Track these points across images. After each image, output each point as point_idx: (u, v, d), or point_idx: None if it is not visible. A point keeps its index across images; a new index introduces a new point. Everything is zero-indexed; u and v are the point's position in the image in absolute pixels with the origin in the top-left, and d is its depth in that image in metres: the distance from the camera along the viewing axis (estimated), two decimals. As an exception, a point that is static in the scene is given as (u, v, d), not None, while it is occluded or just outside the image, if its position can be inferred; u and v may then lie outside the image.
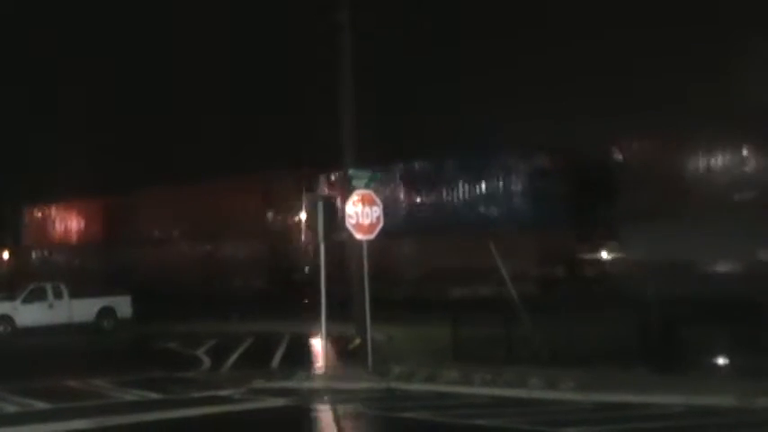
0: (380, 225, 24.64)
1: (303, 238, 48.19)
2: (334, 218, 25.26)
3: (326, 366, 24.62)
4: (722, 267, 32.67)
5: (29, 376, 25.16)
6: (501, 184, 42.46)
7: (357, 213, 24.41)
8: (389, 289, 36.97)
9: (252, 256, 52.21)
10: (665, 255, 31.99)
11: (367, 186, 24.86)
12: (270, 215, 52.87)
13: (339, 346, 27.44)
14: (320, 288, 24.89)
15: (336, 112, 27.09)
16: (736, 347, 22.06)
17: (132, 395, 22.69)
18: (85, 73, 64.36)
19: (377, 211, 24.65)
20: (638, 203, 35.22)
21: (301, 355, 27.87)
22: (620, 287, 33.41)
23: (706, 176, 34.71)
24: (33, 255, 69.20)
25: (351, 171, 25.40)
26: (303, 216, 46.98)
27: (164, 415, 20.03)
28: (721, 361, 22.45)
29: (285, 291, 47.43)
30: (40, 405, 21.24)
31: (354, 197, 24.65)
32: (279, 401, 21.45)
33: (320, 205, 25.03)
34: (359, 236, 24.60)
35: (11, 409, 20.87)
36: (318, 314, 24.89)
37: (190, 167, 58.08)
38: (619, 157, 38.52)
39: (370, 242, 24.67)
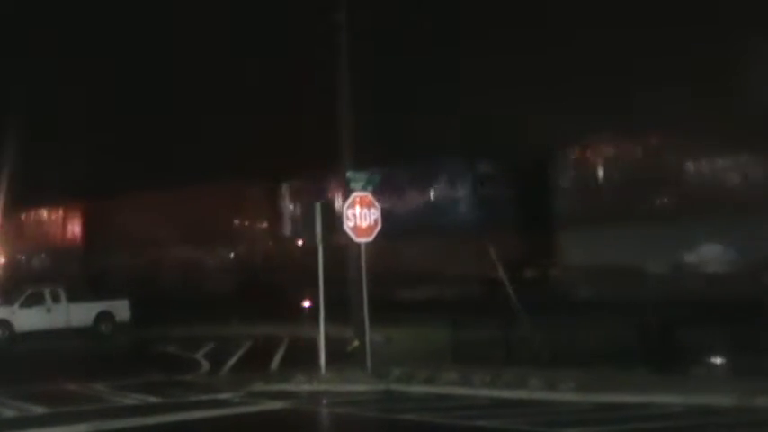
0: (378, 227, 24.64)
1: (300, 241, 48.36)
2: (331, 220, 25.24)
3: (325, 369, 24.59)
4: (655, 269, 34.06)
5: (27, 381, 25.14)
6: (447, 189, 43.79)
7: (355, 216, 24.41)
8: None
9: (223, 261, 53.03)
10: (602, 258, 33.90)
11: (365, 189, 24.84)
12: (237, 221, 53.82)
13: (337, 349, 27.42)
14: (318, 290, 24.95)
15: (329, 114, 27.15)
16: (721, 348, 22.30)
17: (131, 399, 22.68)
18: (65, 74, 64.05)
19: (375, 213, 24.64)
20: (577, 208, 37.26)
21: (300, 358, 27.82)
22: (558, 290, 35.99)
23: (642, 182, 36.27)
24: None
25: (349, 173, 25.36)
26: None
27: (163, 418, 20.01)
28: (718, 361, 22.51)
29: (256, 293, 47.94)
30: (39, 409, 21.23)
31: (352, 199, 24.65)
32: (278, 404, 21.45)
33: (317, 208, 25.04)
34: (357, 238, 24.59)
35: (10, 413, 20.87)
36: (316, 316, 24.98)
37: (182, 170, 58.09)
38: (567, 160, 40.33)
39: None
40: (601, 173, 38.17)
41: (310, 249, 25.60)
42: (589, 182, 38.01)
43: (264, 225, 52.82)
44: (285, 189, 50.88)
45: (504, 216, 40.55)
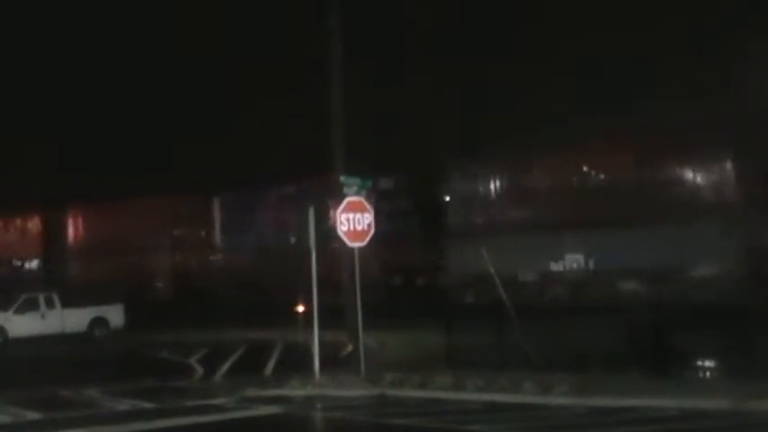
0: (372, 232, 24.66)
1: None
2: (324, 225, 25.25)
3: (319, 373, 24.59)
4: (526, 277, 38.32)
5: (21, 386, 25.09)
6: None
7: (348, 220, 24.42)
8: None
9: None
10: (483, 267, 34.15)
11: (358, 193, 24.86)
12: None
13: (332, 353, 27.42)
14: (312, 296, 24.96)
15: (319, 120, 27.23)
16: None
17: (125, 404, 22.65)
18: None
19: (368, 217, 24.67)
20: (465, 221, 41.89)
21: (294, 363, 27.81)
22: (445, 295, 39.43)
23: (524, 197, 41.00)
24: None
25: (342, 178, 25.39)
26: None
27: (156, 424, 19.99)
28: (710, 364, 22.59)
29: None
30: (33, 415, 21.21)
31: (345, 204, 24.67)
32: (272, 409, 21.43)
33: (311, 212, 25.05)
34: (350, 243, 24.60)
35: (4, 419, 20.82)
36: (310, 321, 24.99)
37: (171, 176, 58.36)
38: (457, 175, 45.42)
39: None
40: (488, 187, 42.33)
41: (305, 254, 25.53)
42: (476, 196, 42.47)
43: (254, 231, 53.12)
44: (274, 194, 51.09)
45: (402, 228, 44.89)
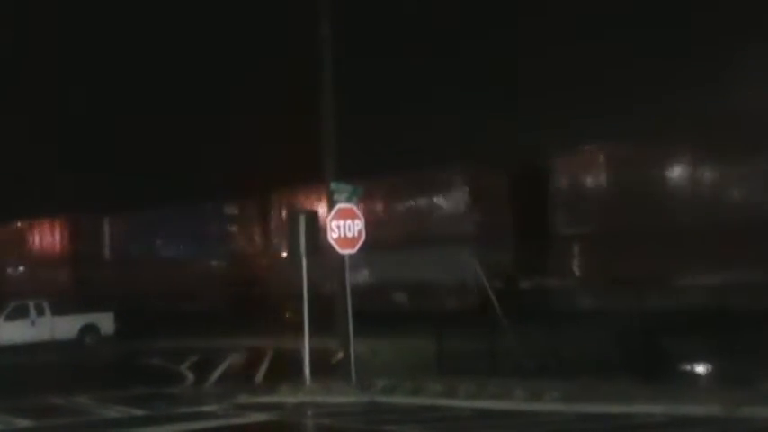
0: (362, 239, 24.67)
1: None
2: (315, 233, 25.24)
3: (310, 380, 24.58)
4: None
5: (12, 394, 25.04)
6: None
7: (339, 227, 24.42)
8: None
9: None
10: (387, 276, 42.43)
11: (348, 200, 24.84)
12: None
13: (322, 360, 27.41)
14: (303, 303, 24.97)
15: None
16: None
17: (116, 411, 22.62)
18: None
19: (359, 224, 24.66)
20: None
21: (285, 370, 27.82)
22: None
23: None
24: None
25: (333, 185, 25.37)
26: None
27: (147, 431, 19.99)
28: (703, 369, 22.64)
29: None
30: (24, 423, 21.17)
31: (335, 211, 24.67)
32: (263, 416, 21.44)
33: (301, 219, 25.05)
34: (341, 250, 24.60)
35: (-6, 427, 20.82)
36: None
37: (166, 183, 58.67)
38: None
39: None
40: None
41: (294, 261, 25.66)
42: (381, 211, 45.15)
43: (252, 238, 53.44)
44: (272, 201, 51.36)
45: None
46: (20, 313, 39.99)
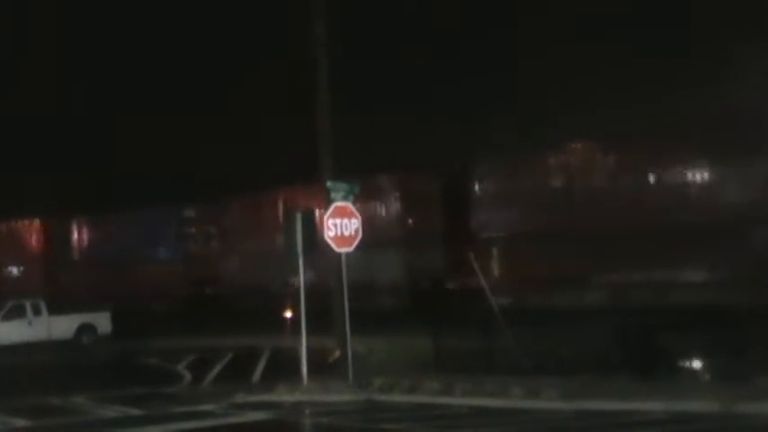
0: (359, 237, 24.64)
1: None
2: (313, 231, 25.21)
3: (307, 379, 24.56)
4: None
5: (9, 394, 25.00)
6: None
7: (336, 226, 24.39)
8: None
9: None
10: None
11: (345, 199, 24.81)
12: None
13: (320, 359, 27.41)
14: (300, 302, 24.98)
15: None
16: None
17: (113, 411, 22.61)
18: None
19: (355, 223, 24.63)
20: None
21: (282, 369, 27.81)
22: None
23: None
24: None
25: (329, 183, 25.32)
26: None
27: (144, 431, 19.97)
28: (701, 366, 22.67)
29: None
30: (21, 422, 21.17)
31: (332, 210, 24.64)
32: (260, 415, 21.42)
33: (298, 218, 25.02)
34: (338, 248, 24.57)
35: (-9, 427, 20.80)
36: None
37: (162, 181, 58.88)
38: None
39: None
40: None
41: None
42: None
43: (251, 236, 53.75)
44: (269, 199, 51.75)
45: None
46: (17, 313, 40.00)
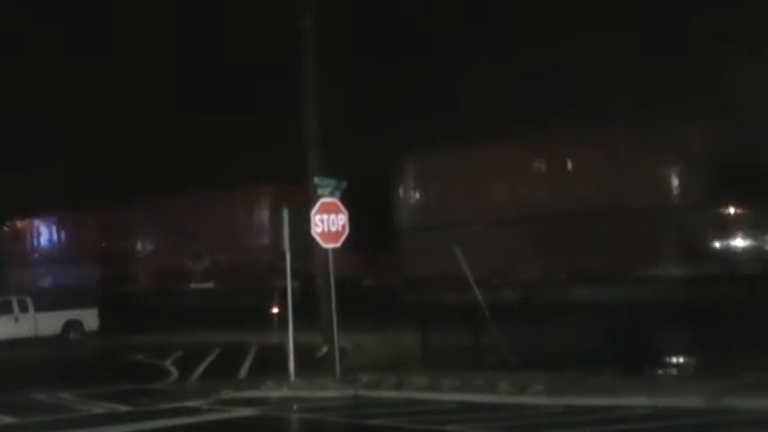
0: (346, 233, 24.65)
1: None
2: (300, 227, 25.20)
3: (294, 375, 24.57)
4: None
5: (-5, 390, 24.99)
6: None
7: (323, 221, 24.40)
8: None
9: None
10: None
11: (332, 195, 24.82)
12: None
13: (307, 355, 27.43)
14: (287, 297, 25.00)
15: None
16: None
17: (100, 408, 22.60)
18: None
19: (342, 219, 24.65)
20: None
21: (269, 365, 27.83)
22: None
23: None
24: None
25: (316, 179, 25.33)
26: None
27: (132, 427, 19.94)
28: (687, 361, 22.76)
29: None
30: (7, 419, 21.08)
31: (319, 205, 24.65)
32: (247, 411, 21.42)
33: (285, 214, 25.01)
34: (324, 244, 24.59)
35: (-23, 424, 20.76)
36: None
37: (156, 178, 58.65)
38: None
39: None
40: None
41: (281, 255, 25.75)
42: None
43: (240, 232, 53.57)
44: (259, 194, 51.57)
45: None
46: (3, 309, 39.86)
